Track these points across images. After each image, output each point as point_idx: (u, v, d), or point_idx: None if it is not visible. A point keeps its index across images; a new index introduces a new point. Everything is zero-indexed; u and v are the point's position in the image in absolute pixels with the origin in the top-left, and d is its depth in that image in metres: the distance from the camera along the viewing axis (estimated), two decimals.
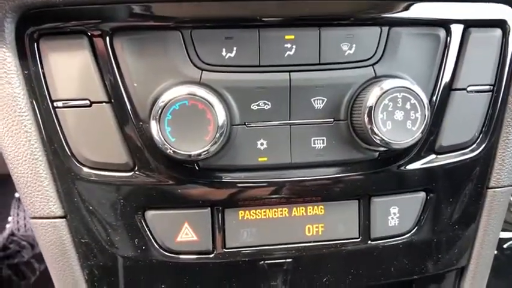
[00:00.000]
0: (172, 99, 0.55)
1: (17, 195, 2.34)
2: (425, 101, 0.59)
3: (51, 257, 0.65)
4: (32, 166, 0.60)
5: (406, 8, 0.62)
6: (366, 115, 0.59)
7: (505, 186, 0.72)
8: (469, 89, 0.66)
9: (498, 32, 0.66)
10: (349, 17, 0.61)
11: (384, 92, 0.59)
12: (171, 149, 0.56)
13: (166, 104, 0.55)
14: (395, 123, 0.59)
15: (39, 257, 2.12)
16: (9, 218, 2.33)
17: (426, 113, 0.59)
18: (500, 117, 0.69)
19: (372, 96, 0.59)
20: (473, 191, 0.71)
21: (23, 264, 2.11)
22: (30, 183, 0.61)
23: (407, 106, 0.59)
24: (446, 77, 0.65)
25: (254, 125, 0.61)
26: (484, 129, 0.68)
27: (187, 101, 0.55)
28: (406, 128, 0.59)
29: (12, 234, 2.31)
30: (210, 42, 0.59)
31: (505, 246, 2.14)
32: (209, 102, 0.56)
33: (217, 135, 0.56)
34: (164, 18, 0.58)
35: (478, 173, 0.70)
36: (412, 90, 0.59)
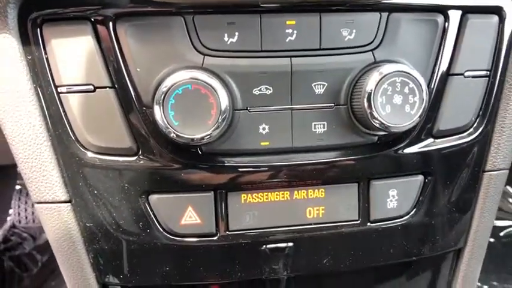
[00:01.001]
0: (175, 83, 0.56)
1: (18, 187, 2.35)
2: (424, 85, 0.61)
3: (56, 242, 0.66)
4: (36, 151, 0.61)
5: None
6: (365, 99, 0.60)
7: (500, 170, 0.74)
8: (466, 74, 0.67)
9: (495, 18, 0.67)
10: (349, 2, 0.62)
11: (383, 77, 0.60)
12: (174, 133, 0.57)
13: (169, 89, 0.56)
14: (394, 107, 0.60)
15: (41, 249, 2.14)
16: (11, 211, 2.35)
17: (424, 97, 0.60)
18: (497, 101, 0.70)
19: (371, 81, 0.60)
20: (470, 174, 0.72)
21: (25, 255, 2.12)
22: (34, 168, 0.62)
23: (406, 90, 0.60)
24: (444, 62, 0.66)
25: (256, 110, 0.62)
26: (480, 113, 0.70)
27: (190, 85, 0.56)
28: (405, 112, 0.60)
29: (13, 226, 2.32)
30: (212, 28, 0.59)
31: (501, 234, 2.18)
32: (212, 87, 0.57)
33: (220, 119, 0.57)
34: (166, 3, 0.58)
35: (475, 157, 0.71)
36: (411, 74, 0.60)
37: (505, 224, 2.23)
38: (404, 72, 0.60)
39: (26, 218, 2.36)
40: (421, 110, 0.61)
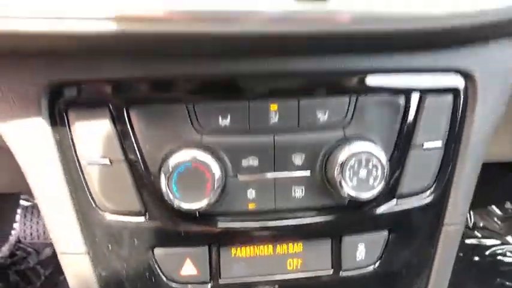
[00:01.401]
0: (178, 163, 0.67)
1: (24, 203, 2.45)
2: (385, 161, 0.70)
3: (75, 285, 0.78)
4: (61, 213, 0.72)
5: (371, 80, 0.72)
6: (336, 171, 0.70)
7: (457, 224, 0.84)
8: (424, 145, 0.76)
9: (450, 96, 0.76)
10: (323, 89, 0.72)
11: (352, 154, 0.69)
12: (177, 204, 0.68)
13: (173, 167, 0.67)
14: (360, 180, 0.70)
15: (44, 263, 2.24)
16: (15, 225, 2.45)
17: (385, 172, 0.70)
18: (452, 167, 0.79)
19: (341, 156, 0.70)
20: (430, 229, 0.82)
21: (29, 270, 2.22)
22: (59, 226, 0.73)
23: (370, 166, 0.70)
24: (405, 137, 0.75)
25: (244, 178, 0.73)
26: (438, 178, 0.79)
27: (191, 163, 0.67)
28: (368, 184, 0.70)
29: (18, 241, 2.42)
30: (209, 113, 0.70)
31: (486, 253, 2.28)
32: (208, 164, 0.67)
33: (214, 191, 0.68)
34: (172, 95, 0.69)
35: (434, 214, 0.81)
36: (374, 153, 0.70)
37: (490, 243, 2.33)
38: (369, 152, 0.70)
39: (31, 234, 2.46)
40: (382, 183, 0.71)
